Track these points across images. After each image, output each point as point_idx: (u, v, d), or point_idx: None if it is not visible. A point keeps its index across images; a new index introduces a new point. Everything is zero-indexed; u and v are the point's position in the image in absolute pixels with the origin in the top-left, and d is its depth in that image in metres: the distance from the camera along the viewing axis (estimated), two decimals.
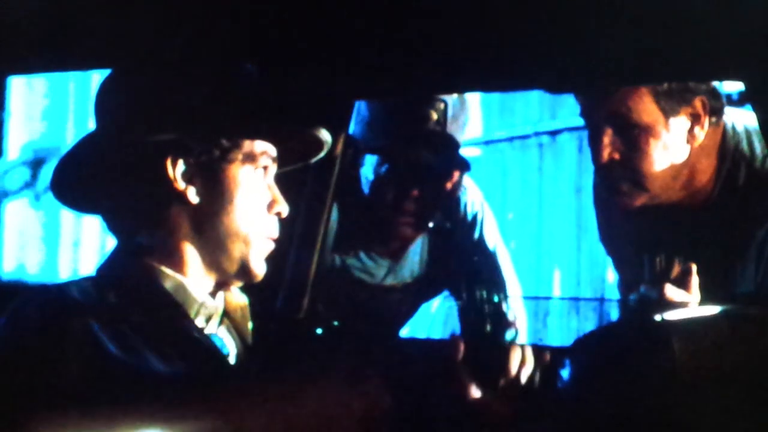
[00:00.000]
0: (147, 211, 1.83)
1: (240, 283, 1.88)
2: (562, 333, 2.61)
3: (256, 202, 1.85)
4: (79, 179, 1.85)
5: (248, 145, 1.84)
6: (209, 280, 1.86)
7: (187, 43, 1.94)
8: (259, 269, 1.86)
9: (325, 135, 1.94)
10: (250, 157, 1.84)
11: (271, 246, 1.88)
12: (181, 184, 1.81)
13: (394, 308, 2.88)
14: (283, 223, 1.91)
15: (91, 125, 1.88)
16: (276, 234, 1.88)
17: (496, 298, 2.03)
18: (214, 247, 1.83)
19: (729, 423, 1.51)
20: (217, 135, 1.82)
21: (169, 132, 1.79)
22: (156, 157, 1.80)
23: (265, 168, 1.86)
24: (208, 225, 1.83)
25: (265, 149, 1.86)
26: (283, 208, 1.88)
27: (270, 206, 1.87)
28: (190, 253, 1.83)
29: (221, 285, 1.88)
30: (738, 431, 1.52)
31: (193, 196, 1.82)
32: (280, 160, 1.90)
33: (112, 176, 1.82)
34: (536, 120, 5.80)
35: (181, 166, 1.81)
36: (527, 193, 5.87)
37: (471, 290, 2.93)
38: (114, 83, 1.87)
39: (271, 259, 1.88)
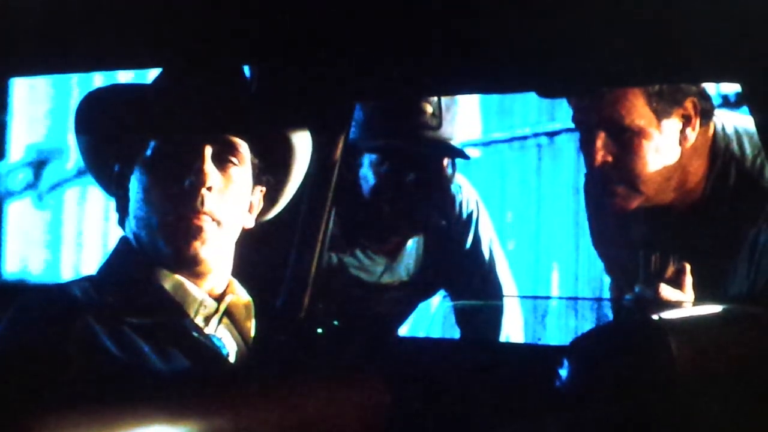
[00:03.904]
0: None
1: (197, 271, 1.83)
2: (560, 332, 2.61)
3: (162, 189, 1.80)
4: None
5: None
6: (210, 280, 1.87)
7: (188, 44, 1.95)
8: (199, 252, 1.79)
9: (300, 140, 1.93)
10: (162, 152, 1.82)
11: (203, 224, 1.79)
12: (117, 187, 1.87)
13: (391, 306, 2.88)
14: (284, 224, 1.91)
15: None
16: (201, 208, 1.78)
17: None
18: (153, 245, 1.82)
19: (727, 422, 1.51)
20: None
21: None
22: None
23: (195, 147, 1.80)
24: (135, 225, 1.83)
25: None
26: (195, 178, 1.78)
27: (191, 182, 1.79)
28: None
29: (228, 287, 1.89)
30: (736, 430, 1.53)
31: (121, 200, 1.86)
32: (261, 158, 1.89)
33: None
34: (535, 121, 5.81)
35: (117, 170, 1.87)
36: (526, 194, 5.87)
37: (466, 290, 2.94)
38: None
39: (272, 260, 1.88)
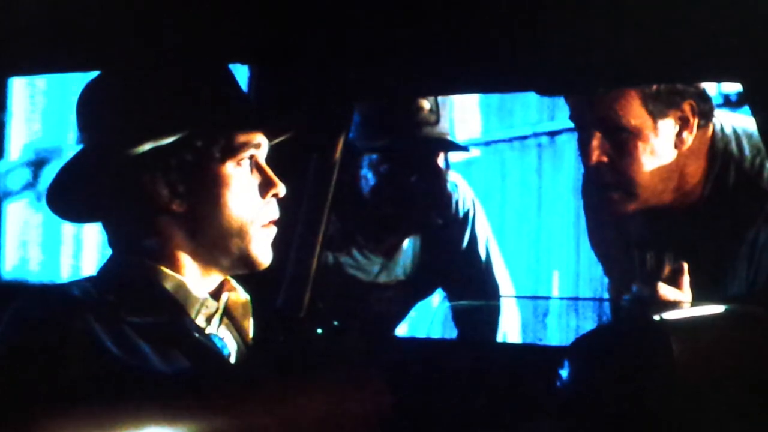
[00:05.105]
0: (138, 222, 1.82)
1: (243, 272, 1.87)
2: (561, 333, 2.61)
3: (244, 194, 1.82)
4: (72, 196, 1.84)
5: (224, 139, 1.81)
6: (212, 279, 1.87)
7: (187, 44, 1.95)
8: (263, 257, 1.85)
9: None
10: (229, 152, 1.81)
11: (272, 230, 1.86)
12: (163, 197, 1.80)
13: (388, 306, 2.89)
14: (284, 224, 1.91)
15: (76, 135, 1.87)
16: (275, 216, 1.86)
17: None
18: (210, 248, 1.83)
19: (728, 423, 1.51)
20: (204, 132, 1.80)
21: (144, 142, 1.77)
22: (134, 174, 1.79)
23: (251, 157, 1.84)
24: (200, 229, 1.82)
25: (245, 140, 1.82)
26: (279, 189, 1.85)
27: (264, 191, 1.85)
28: (188, 256, 1.83)
29: (224, 284, 1.89)
30: (737, 431, 1.53)
31: (178, 205, 1.81)
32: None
33: (102, 191, 1.82)
34: (535, 121, 5.81)
35: (160, 179, 1.79)
36: (526, 194, 5.87)
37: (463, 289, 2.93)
38: (93, 93, 1.85)
39: (272, 260, 1.88)
